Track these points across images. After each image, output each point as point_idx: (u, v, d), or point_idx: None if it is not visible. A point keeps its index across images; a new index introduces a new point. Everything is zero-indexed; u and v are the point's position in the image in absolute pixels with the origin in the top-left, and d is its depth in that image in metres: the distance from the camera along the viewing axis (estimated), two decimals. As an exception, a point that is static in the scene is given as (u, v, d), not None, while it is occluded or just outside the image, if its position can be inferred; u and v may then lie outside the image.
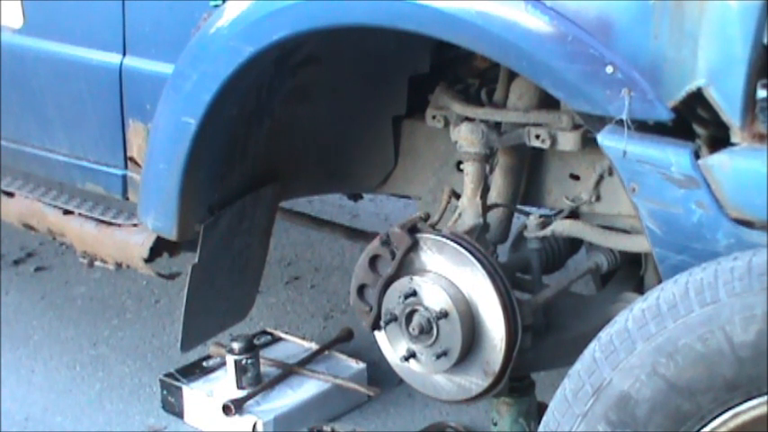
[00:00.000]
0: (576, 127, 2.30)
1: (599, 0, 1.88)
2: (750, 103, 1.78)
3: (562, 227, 2.37)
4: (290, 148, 2.62)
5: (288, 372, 3.05)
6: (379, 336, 2.33)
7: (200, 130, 2.33)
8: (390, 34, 2.08)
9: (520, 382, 2.46)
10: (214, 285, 2.61)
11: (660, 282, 1.86)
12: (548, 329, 2.35)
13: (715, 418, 1.70)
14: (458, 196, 2.44)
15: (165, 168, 2.41)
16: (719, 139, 1.84)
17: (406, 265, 2.25)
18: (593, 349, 1.78)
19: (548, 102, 2.31)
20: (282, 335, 3.27)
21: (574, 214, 2.42)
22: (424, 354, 2.24)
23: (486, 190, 2.40)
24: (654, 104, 1.85)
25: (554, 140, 2.32)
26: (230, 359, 2.97)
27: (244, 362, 2.96)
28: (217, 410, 2.89)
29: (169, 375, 3.05)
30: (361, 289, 2.30)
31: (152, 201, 2.48)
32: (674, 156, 1.85)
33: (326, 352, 3.16)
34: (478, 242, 2.24)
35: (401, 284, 2.24)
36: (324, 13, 2.12)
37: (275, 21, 2.18)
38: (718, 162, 1.82)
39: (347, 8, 2.11)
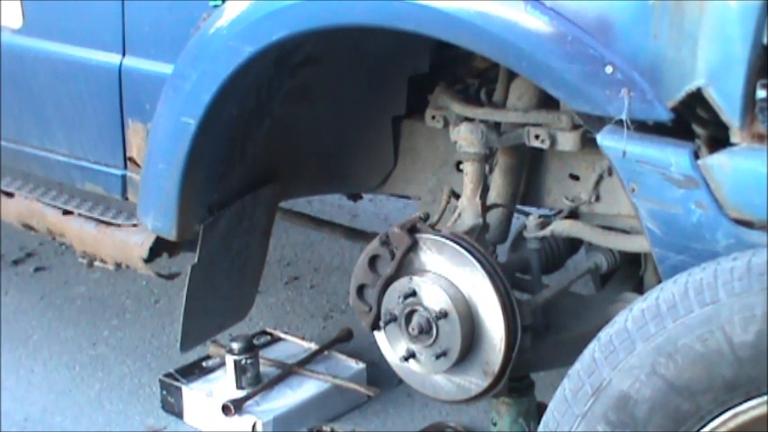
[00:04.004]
0: (575, 127, 2.30)
1: (599, 0, 1.88)
2: (750, 103, 1.78)
3: (562, 227, 2.37)
4: (289, 148, 2.62)
5: (287, 372, 3.05)
6: (379, 336, 2.33)
7: (199, 130, 2.33)
8: (390, 34, 2.08)
9: (519, 383, 2.46)
10: (213, 285, 2.61)
11: (660, 282, 1.86)
12: (547, 329, 2.35)
13: (714, 418, 1.70)
14: (457, 196, 2.44)
15: (164, 168, 2.41)
16: (719, 140, 1.83)
17: (405, 266, 2.25)
18: (593, 349, 1.78)
19: (547, 102, 2.31)
20: (282, 335, 3.27)
21: (573, 214, 2.42)
22: (424, 354, 2.24)
23: (485, 190, 2.40)
24: (653, 104, 1.85)
25: (553, 141, 2.32)
26: (230, 359, 2.97)
27: (243, 362, 2.96)
28: (216, 411, 2.89)
29: (169, 375, 3.05)
30: (361, 289, 2.30)
31: (151, 201, 2.48)
32: (674, 156, 1.85)
33: (326, 352, 3.16)
34: (478, 242, 2.24)
35: (401, 284, 2.24)
36: (323, 13, 2.12)
37: (275, 21, 2.18)
38: (717, 162, 1.82)
39: (346, 8, 2.11)
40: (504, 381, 2.22)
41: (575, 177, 2.47)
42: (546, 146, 2.33)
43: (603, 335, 1.78)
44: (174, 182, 2.40)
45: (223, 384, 3.00)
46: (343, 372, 3.06)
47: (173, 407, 3.03)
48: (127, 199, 2.67)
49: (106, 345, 3.40)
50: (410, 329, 2.23)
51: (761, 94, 1.77)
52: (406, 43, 2.29)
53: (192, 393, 2.99)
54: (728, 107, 1.79)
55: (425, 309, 2.21)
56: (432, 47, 2.49)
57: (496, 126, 2.40)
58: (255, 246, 2.68)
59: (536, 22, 1.91)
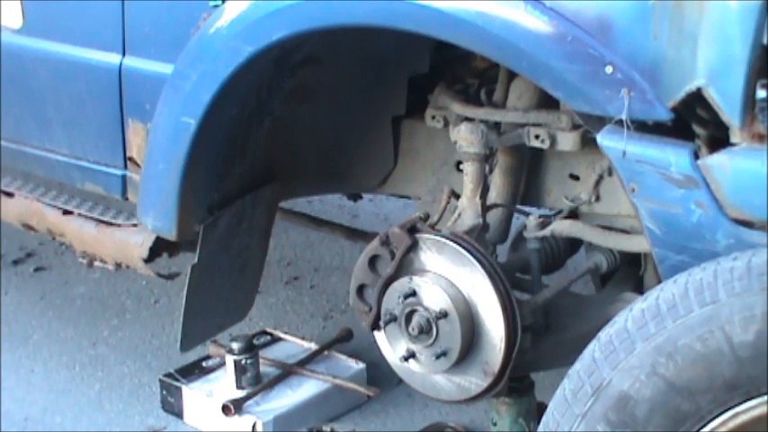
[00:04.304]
0: (575, 127, 2.30)
1: (599, 0, 1.88)
2: (749, 103, 1.78)
3: (562, 227, 2.37)
4: (289, 148, 2.62)
5: (287, 372, 3.05)
6: (379, 336, 2.32)
7: (199, 130, 2.33)
8: (390, 34, 2.08)
9: (519, 383, 2.46)
10: (213, 286, 2.61)
11: (660, 282, 1.86)
12: (547, 329, 2.35)
13: (714, 418, 1.70)
14: (457, 196, 2.44)
15: (164, 168, 2.41)
16: (719, 140, 1.84)
17: (405, 266, 2.25)
18: (593, 349, 1.78)
19: (547, 102, 2.31)
20: (282, 335, 3.27)
21: (573, 214, 2.42)
22: (424, 354, 2.24)
23: (485, 190, 2.40)
24: (653, 104, 1.85)
25: (553, 140, 2.32)
26: (230, 359, 2.97)
27: (243, 362, 2.96)
28: (216, 410, 2.89)
29: (168, 375, 3.05)
30: (361, 289, 2.30)
31: (151, 201, 2.48)
32: (674, 156, 1.85)
33: (326, 352, 3.16)
34: (478, 242, 2.24)
35: (401, 284, 2.24)
36: (323, 13, 2.12)
37: (275, 21, 2.18)
38: (717, 162, 1.82)
39: (347, 8, 2.11)
40: (504, 381, 2.22)
41: (575, 177, 2.47)
42: (546, 146, 2.33)
43: (603, 335, 1.78)
44: (174, 182, 2.40)
45: (223, 384, 3.00)
46: (343, 372, 3.06)
47: (173, 407, 3.03)
48: (127, 199, 2.67)
49: (106, 345, 3.40)
50: (410, 329, 2.23)
51: (761, 94, 1.77)
52: (406, 43, 2.29)
53: (192, 393, 2.99)
54: (728, 107, 1.79)
55: (425, 309, 2.21)
56: (432, 47, 2.49)
57: (496, 126, 2.40)
58: (255, 246, 2.68)
59: (536, 22, 1.91)
